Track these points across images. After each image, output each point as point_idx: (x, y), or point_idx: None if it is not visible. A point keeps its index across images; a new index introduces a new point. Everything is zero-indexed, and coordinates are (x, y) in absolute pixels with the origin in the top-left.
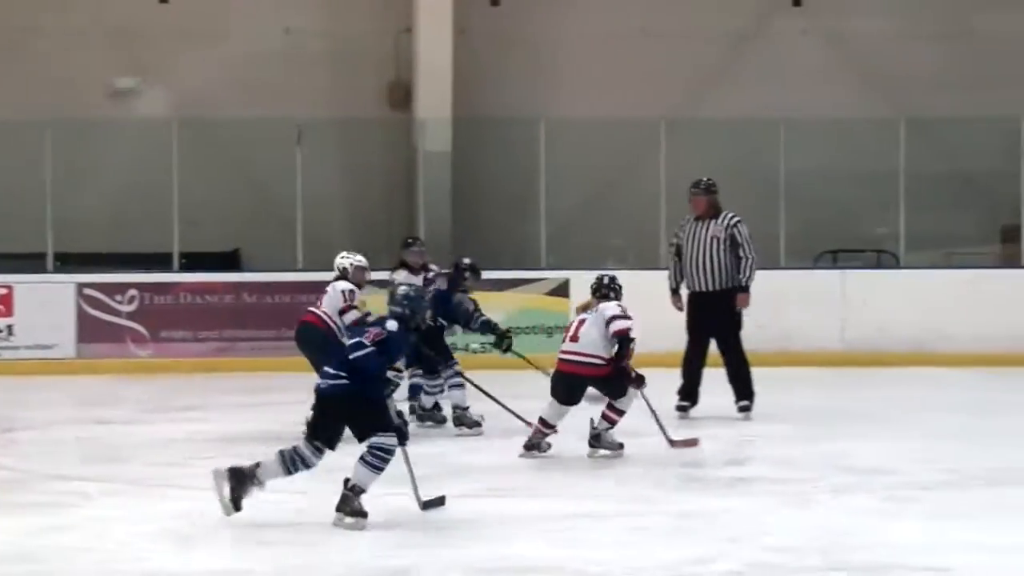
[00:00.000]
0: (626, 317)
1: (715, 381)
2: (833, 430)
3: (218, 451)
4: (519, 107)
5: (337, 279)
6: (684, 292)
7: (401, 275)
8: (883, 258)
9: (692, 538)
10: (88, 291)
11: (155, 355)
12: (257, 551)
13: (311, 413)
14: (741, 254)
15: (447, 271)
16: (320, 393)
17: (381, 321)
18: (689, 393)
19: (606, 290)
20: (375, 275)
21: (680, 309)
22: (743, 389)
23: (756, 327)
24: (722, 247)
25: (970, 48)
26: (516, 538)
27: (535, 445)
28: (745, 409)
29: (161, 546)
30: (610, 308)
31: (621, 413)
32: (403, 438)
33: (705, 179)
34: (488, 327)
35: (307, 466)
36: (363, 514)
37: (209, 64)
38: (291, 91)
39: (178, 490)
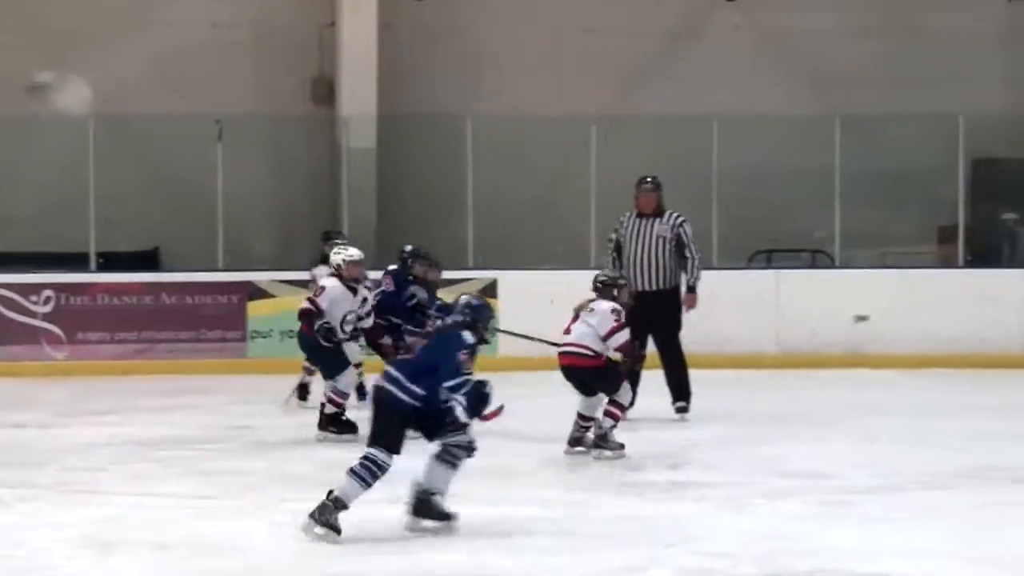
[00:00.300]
0: (622, 327)
1: (651, 383)
2: (768, 433)
3: (138, 456)
4: (446, 103)
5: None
6: None
7: (322, 270)
8: (818, 258)
9: (624, 544)
10: (2, 292)
11: (71, 357)
12: (177, 558)
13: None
14: (687, 254)
15: (393, 268)
16: (376, 394)
17: (457, 335)
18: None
19: (593, 289)
20: (296, 275)
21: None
22: (680, 390)
23: (689, 328)
24: (668, 246)
25: (906, 45)
26: (446, 546)
27: (578, 440)
28: (682, 410)
29: (81, 553)
30: (604, 315)
31: (622, 407)
32: (469, 450)
33: (652, 176)
34: (445, 311)
35: (384, 471)
36: (336, 530)
37: (129, 58)
38: (212, 86)
39: (98, 495)
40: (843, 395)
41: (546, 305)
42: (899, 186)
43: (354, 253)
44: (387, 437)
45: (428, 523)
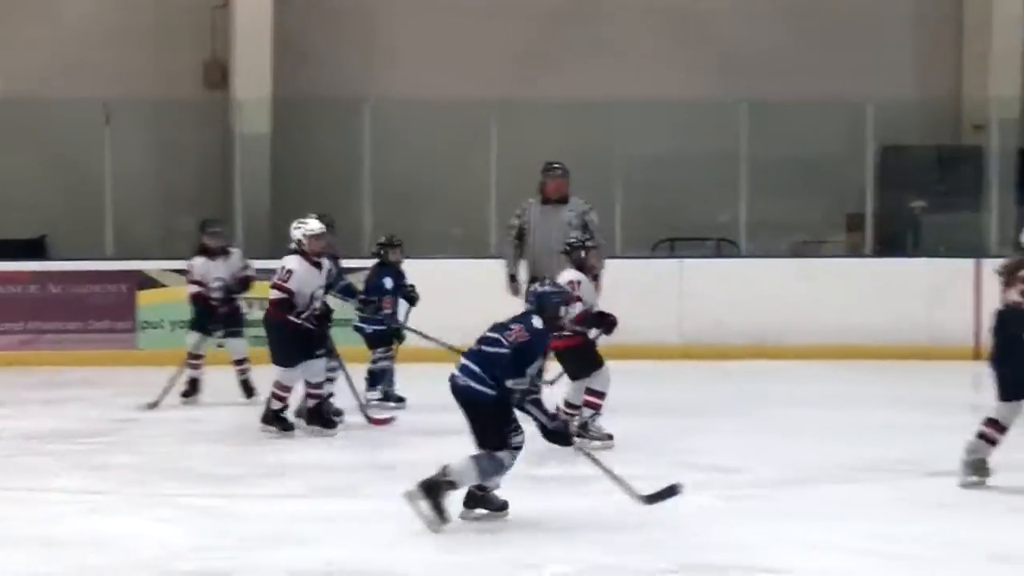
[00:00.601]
0: (571, 300)
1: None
2: (675, 426)
3: (25, 449)
4: (344, 87)
5: (292, 253)
6: (523, 277)
7: (198, 261)
8: (723, 247)
9: (524, 539)
10: None
11: None
12: (67, 554)
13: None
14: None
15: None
16: (452, 388)
17: (526, 316)
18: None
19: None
20: (178, 264)
21: (518, 295)
22: None
23: None
24: (575, 233)
25: (814, 29)
26: (332, 539)
27: None
28: None
29: None
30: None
31: (600, 395)
32: (567, 439)
33: (559, 162)
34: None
35: (505, 471)
36: (443, 517)
37: (18, 42)
38: (101, 70)
39: None
40: (750, 387)
41: (447, 293)
42: (806, 173)
43: (315, 227)
44: (497, 438)
45: (479, 511)
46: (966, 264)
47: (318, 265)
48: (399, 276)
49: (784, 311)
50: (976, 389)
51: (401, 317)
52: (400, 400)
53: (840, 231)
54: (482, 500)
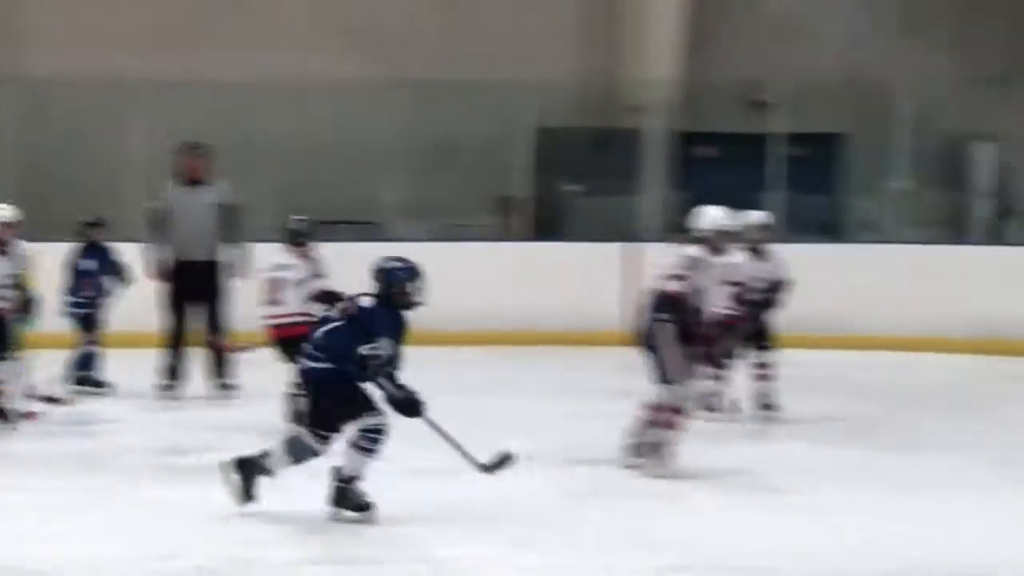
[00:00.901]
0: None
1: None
2: None
3: None
4: None
5: None
6: (166, 261)
7: None
8: (373, 230)
9: (165, 530)
10: None
11: None
12: None
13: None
14: (235, 224)
15: None
16: (302, 376)
17: (358, 295)
18: (176, 371)
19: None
20: None
21: (164, 280)
22: (228, 366)
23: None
24: (216, 214)
25: (471, 9)
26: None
27: None
28: (230, 387)
29: None
30: None
31: None
32: (415, 410)
33: (198, 142)
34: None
35: (315, 455)
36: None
37: None
38: None
39: None
40: (411, 374)
41: None
42: (461, 156)
43: (8, 214)
44: (327, 420)
45: (346, 512)
46: (616, 248)
47: (3, 252)
48: (104, 256)
49: (433, 296)
50: (625, 375)
51: (111, 298)
52: (102, 385)
53: (494, 215)
54: (345, 497)
